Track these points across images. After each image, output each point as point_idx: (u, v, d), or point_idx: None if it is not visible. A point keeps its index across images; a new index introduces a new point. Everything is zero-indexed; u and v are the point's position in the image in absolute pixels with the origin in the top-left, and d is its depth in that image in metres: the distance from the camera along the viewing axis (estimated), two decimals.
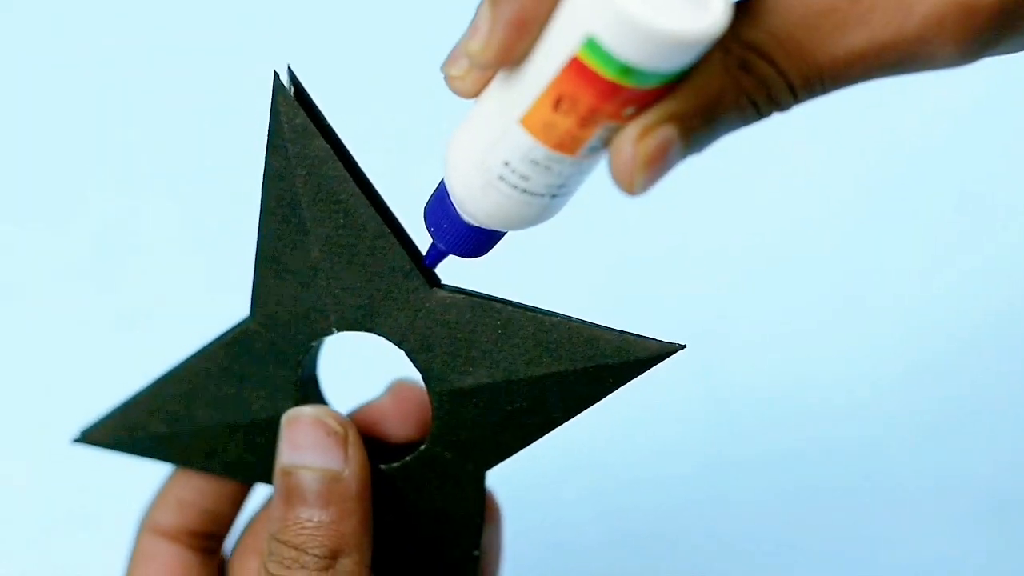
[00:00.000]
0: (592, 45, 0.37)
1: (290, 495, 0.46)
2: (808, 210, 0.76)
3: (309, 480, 0.46)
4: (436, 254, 0.45)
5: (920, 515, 0.67)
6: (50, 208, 0.76)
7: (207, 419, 0.49)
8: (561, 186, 0.40)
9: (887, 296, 0.73)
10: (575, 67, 0.37)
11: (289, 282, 0.46)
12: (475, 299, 0.46)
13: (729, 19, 0.37)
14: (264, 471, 0.49)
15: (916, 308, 0.73)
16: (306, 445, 0.46)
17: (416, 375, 0.47)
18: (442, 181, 0.43)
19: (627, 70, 0.37)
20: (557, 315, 0.45)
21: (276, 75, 0.44)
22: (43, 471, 0.69)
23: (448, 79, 0.39)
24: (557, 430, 0.46)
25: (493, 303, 0.45)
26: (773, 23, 0.38)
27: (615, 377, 0.45)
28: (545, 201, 0.41)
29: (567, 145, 0.39)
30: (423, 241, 0.45)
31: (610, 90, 0.37)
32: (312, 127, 0.45)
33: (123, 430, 0.50)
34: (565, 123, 0.38)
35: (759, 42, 0.38)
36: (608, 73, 0.37)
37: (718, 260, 0.75)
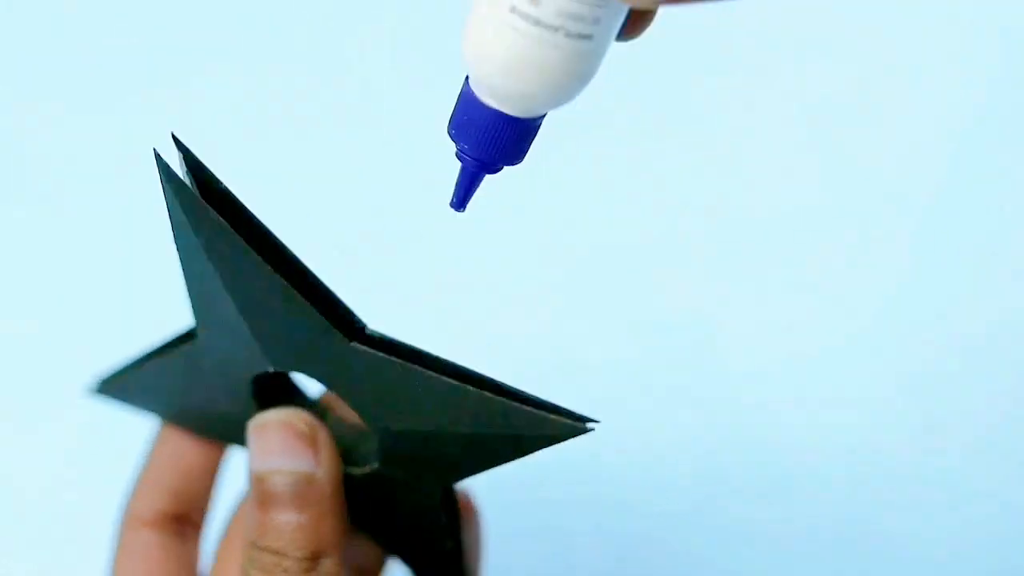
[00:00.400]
0: None
1: (265, 500, 0.46)
2: (819, 221, 0.76)
3: (282, 484, 0.46)
4: (468, 177, 0.42)
5: (931, 532, 0.67)
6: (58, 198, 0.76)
7: (195, 401, 0.50)
8: (577, 18, 0.38)
9: (892, 308, 0.73)
10: None
11: (221, 330, 0.47)
12: (394, 361, 0.45)
13: None
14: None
15: (928, 321, 0.72)
16: (276, 450, 0.46)
17: None
18: (465, 84, 0.41)
19: None
20: (475, 381, 0.45)
21: (157, 154, 0.42)
22: (44, 470, 0.69)
23: None
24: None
25: (410, 367, 0.45)
26: None
27: (530, 445, 0.45)
28: (561, 40, 0.38)
29: None
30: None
31: None
32: (201, 202, 0.43)
33: (132, 391, 0.51)
34: None
35: None
36: None
37: (722, 265, 0.74)
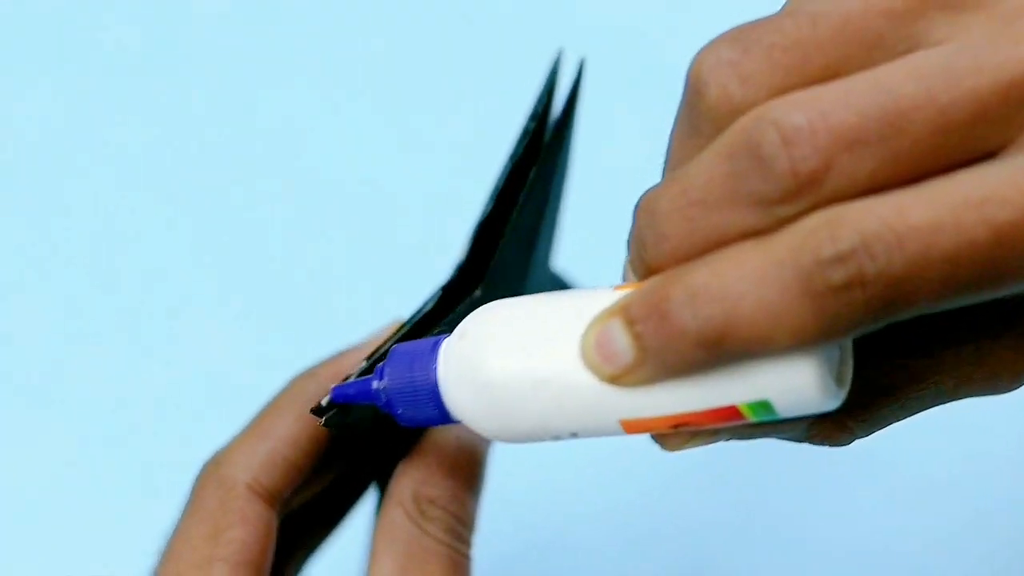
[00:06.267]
0: (762, 405, 0.35)
1: (460, 472, 0.45)
2: None
3: (477, 462, 0.46)
4: (360, 396, 0.41)
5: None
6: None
7: None
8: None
9: None
10: (728, 412, 0.35)
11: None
12: None
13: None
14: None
15: None
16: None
17: None
18: (435, 355, 0.39)
19: (773, 419, 0.36)
20: None
21: (582, 63, 0.45)
22: (48, 470, 0.68)
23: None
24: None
25: None
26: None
27: None
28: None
29: (640, 432, 0.37)
30: None
31: (736, 419, 0.36)
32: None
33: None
34: (660, 428, 0.36)
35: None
36: (752, 419, 0.35)
37: None
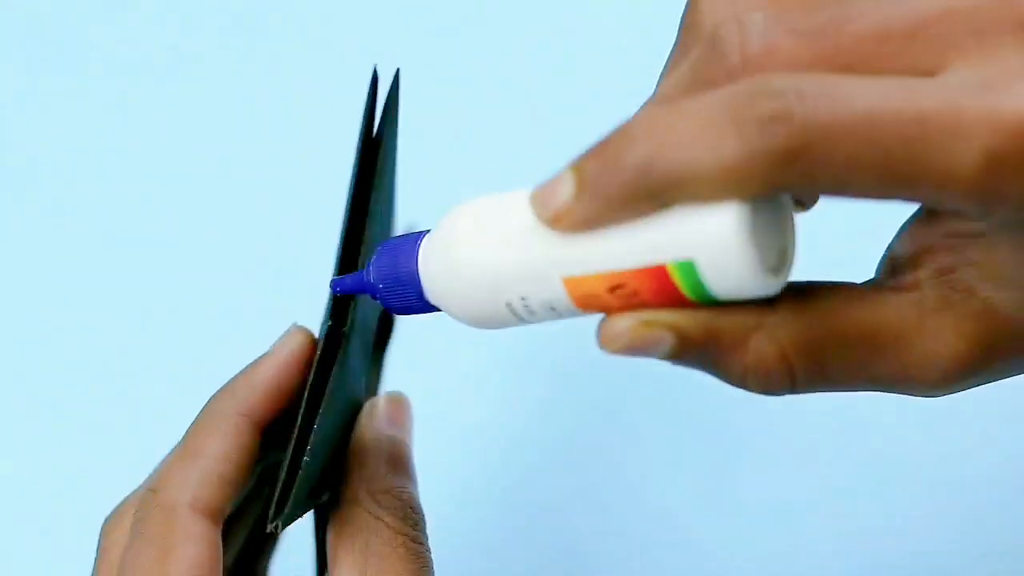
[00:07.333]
0: (688, 268, 0.37)
1: (398, 463, 0.48)
2: None
3: (408, 454, 0.48)
4: (356, 288, 0.44)
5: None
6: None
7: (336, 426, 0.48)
8: (551, 321, 0.41)
9: None
10: (656, 274, 0.37)
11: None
12: None
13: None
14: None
15: None
16: (405, 424, 0.49)
17: None
18: (417, 247, 0.42)
19: (706, 295, 0.37)
20: None
21: (398, 72, 0.48)
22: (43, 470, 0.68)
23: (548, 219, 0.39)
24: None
25: None
26: (809, 330, 0.38)
27: None
28: (526, 323, 0.41)
29: (592, 308, 0.39)
30: None
31: (675, 300, 0.37)
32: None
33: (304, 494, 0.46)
34: (608, 301, 0.38)
35: (787, 342, 0.38)
36: (686, 291, 0.37)
37: None
